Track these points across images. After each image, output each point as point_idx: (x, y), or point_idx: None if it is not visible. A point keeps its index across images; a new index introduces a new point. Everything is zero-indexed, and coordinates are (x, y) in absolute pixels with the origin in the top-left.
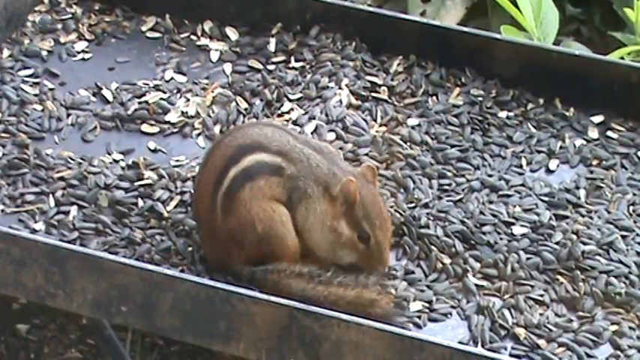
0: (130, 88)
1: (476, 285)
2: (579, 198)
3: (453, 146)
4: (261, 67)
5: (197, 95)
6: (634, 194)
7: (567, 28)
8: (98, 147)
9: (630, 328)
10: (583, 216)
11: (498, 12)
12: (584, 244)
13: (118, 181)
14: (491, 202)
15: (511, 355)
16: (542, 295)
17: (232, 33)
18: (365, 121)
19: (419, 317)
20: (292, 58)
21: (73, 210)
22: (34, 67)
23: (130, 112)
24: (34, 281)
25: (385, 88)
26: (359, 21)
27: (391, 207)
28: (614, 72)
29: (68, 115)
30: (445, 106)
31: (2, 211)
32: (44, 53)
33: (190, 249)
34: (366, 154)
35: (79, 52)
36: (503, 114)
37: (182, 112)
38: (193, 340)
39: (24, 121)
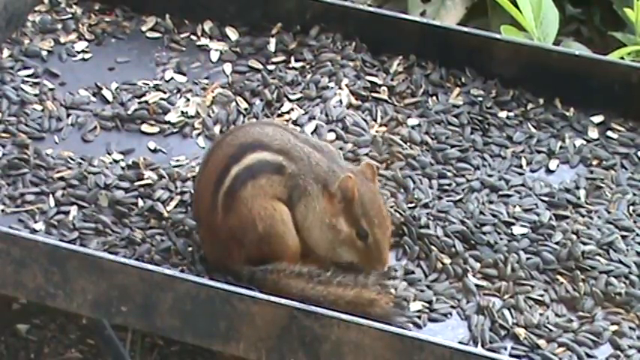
0: (130, 88)
1: (476, 285)
2: (579, 198)
3: (453, 146)
4: (261, 67)
5: (197, 95)
6: (634, 194)
7: (567, 28)
8: (98, 147)
9: (630, 328)
10: (583, 216)
11: (498, 12)
12: (584, 244)
13: (118, 181)
14: (491, 202)
15: (511, 355)
16: (542, 295)
17: (232, 33)
18: (365, 121)
19: (419, 317)
20: (292, 58)
21: (73, 210)
22: (34, 67)
23: (130, 112)
24: (34, 281)
25: (385, 88)
26: (359, 21)
27: (391, 207)
28: (614, 72)
29: (68, 115)
30: (445, 106)
31: (2, 211)
32: (44, 53)
33: (190, 249)
34: (366, 154)
35: (79, 52)
36: (503, 114)
37: (182, 112)
38: (193, 340)
39: (24, 121)
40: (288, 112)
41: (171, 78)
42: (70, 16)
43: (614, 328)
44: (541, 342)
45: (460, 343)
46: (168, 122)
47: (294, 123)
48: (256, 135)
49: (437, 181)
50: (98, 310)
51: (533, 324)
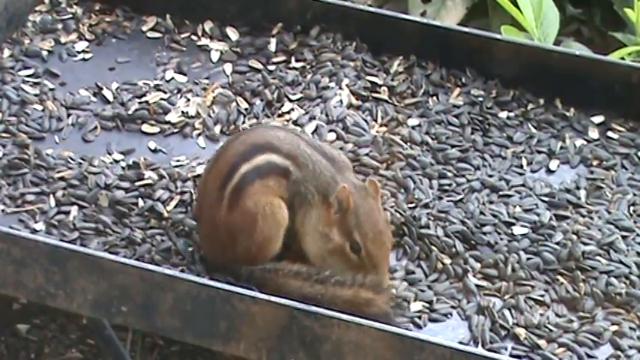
0: (131, 88)
1: (476, 285)
2: (580, 198)
3: (453, 146)
4: (261, 67)
5: (197, 95)
6: (634, 194)
7: (568, 28)
8: (98, 147)
9: (631, 328)
10: (583, 216)
11: (499, 12)
12: (585, 244)
13: (118, 181)
14: (491, 203)
15: (511, 356)
16: (542, 296)
17: (233, 33)
18: (365, 121)
19: (419, 317)
20: (293, 58)
21: (74, 210)
22: (34, 67)
23: (130, 112)
24: (34, 281)
25: (385, 89)
26: (359, 21)
27: (391, 207)
28: (614, 72)
29: (69, 115)
30: (445, 106)
31: (3, 211)
32: (45, 53)
33: (190, 249)
34: (367, 155)
35: (79, 52)
36: (503, 114)
37: (182, 112)
38: (194, 340)
39: (24, 121)
40: (288, 112)
41: (172, 78)
42: (70, 16)
43: (615, 328)
44: (541, 342)
45: (460, 343)
46: (169, 122)
47: (295, 123)
48: (268, 137)
49: (437, 181)
50: (98, 310)
51: (534, 324)
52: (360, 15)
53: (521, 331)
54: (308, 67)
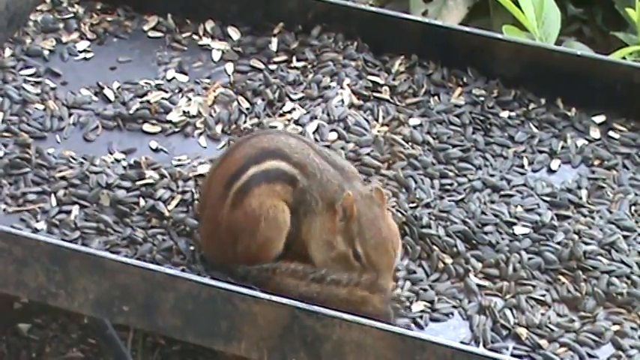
0: (132, 88)
1: (477, 285)
2: (581, 198)
3: (454, 146)
4: (262, 66)
5: (199, 95)
6: (636, 194)
7: (569, 28)
8: (100, 146)
9: (632, 328)
10: (585, 216)
11: (500, 12)
12: (586, 244)
13: (119, 180)
14: (492, 202)
15: (513, 355)
16: (543, 295)
17: (234, 32)
18: (367, 120)
19: (420, 317)
20: (294, 58)
21: (75, 209)
22: (35, 66)
23: (131, 112)
24: (35, 280)
25: (387, 88)
26: (361, 21)
27: (393, 207)
28: (616, 72)
29: (70, 115)
30: (447, 105)
31: (4, 210)
32: (46, 52)
33: (192, 248)
34: (368, 154)
35: (80, 52)
36: (504, 114)
37: (184, 112)
38: (195, 339)
39: (26, 120)
40: (289, 112)
41: (173, 77)
42: (71, 15)
43: (616, 328)
44: (543, 342)
45: (462, 343)
46: (170, 122)
47: (296, 123)
48: (280, 144)
49: (438, 180)
50: (100, 310)
51: (535, 324)
52: (361, 14)
53: (522, 331)
54: (309, 66)
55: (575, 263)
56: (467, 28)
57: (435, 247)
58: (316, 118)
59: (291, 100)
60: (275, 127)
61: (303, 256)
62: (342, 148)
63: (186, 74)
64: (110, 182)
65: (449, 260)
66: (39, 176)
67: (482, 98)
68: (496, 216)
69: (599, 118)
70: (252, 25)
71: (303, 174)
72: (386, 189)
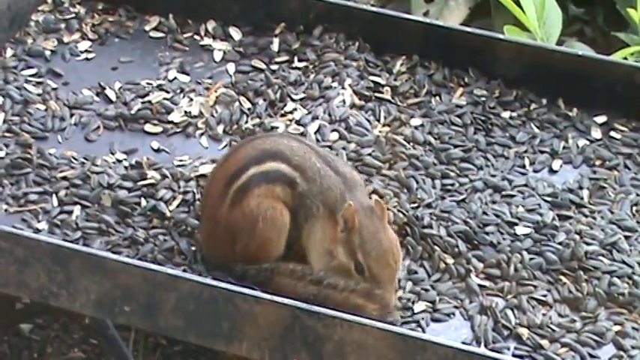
0: (134, 88)
1: (479, 285)
2: (582, 198)
3: (456, 146)
4: (264, 67)
5: (200, 95)
6: (637, 194)
7: (570, 28)
8: (101, 147)
9: (633, 328)
10: (586, 216)
11: (501, 12)
12: (588, 244)
13: (121, 180)
14: (494, 203)
15: (514, 356)
16: (545, 296)
17: (235, 33)
18: (368, 121)
19: (422, 318)
20: (295, 58)
21: (76, 210)
22: (37, 66)
23: (133, 112)
24: (37, 281)
25: (388, 88)
26: (362, 21)
27: (394, 207)
28: (617, 72)
29: (71, 115)
30: (448, 106)
31: (5, 210)
32: (47, 53)
33: (193, 249)
34: (369, 154)
35: (82, 52)
36: (506, 114)
37: (185, 112)
38: (196, 340)
39: (27, 120)
40: (291, 112)
41: (175, 78)
42: (73, 15)
43: (617, 328)
44: (544, 342)
45: (463, 343)
46: (172, 122)
47: (298, 123)
48: (281, 146)
49: (440, 181)
50: (101, 310)
51: (536, 324)
52: (362, 15)
53: (523, 331)
54: (311, 66)
55: (576, 263)
56: (468, 29)
57: (436, 248)
58: (318, 118)
59: (293, 100)
60: (276, 127)
61: (302, 257)
62: (344, 149)
63: (187, 74)
64: (112, 182)
65: (450, 260)
66: (40, 176)
67: (483, 98)
68: (497, 216)
69: (601, 119)
70: (254, 25)
71: (303, 177)
72: (387, 189)
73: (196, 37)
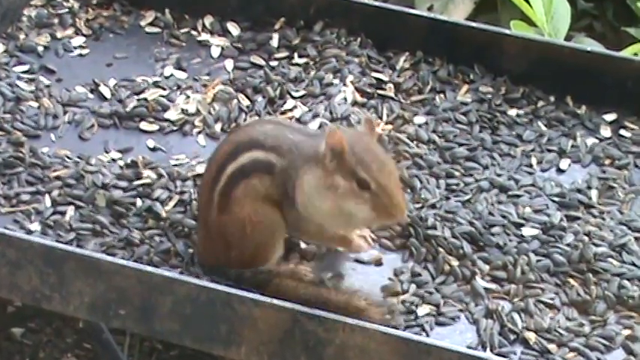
0: (129, 85)
1: (484, 288)
2: (591, 198)
3: (461, 145)
4: (263, 63)
5: (197, 92)
6: None
7: (579, 23)
8: (95, 145)
9: None
10: (595, 217)
11: (508, 7)
12: (596, 245)
13: (116, 180)
14: (500, 203)
15: None
16: (552, 299)
17: (234, 28)
18: None
19: (426, 321)
20: (295, 54)
21: (70, 210)
22: (29, 62)
23: (128, 110)
24: (29, 283)
25: (391, 85)
26: (364, 16)
27: None
28: (627, 69)
29: (65, 113)
30: (453, 103)
31: None
32: (40, 49)
33: (190, 250)
34: None
35: (76, 48)
36: (512, 112)
37: (182, 110)
38: (193, 344)
39: (19, 118)
40: (291, 110)
41: (171, 74)
42: (66, 10)
43: (627, 332)
44: (552, 346)
45: (468, 347)
46: (168, 120)
47: (298, 120)
48: (254, 133)
49: (444, 180)
50: (95, 314)
51: (544, 328)
52: (364, 9)
53: (530, 335)
54: (311, 63)
55: (585, 265)
56: (474, 24)
57: (440, 249)
58: (319, 116)
59: (293, 97)
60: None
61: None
62: None
63: (184, 71)
64: (106, 182)
65: (455, 262)
66: (33, 176)
67: (489, 96)
68: (504, 217)
69: (610, 116)
70: (253, 20)
71: (278, 154)
72: None
73: (193, 32)
